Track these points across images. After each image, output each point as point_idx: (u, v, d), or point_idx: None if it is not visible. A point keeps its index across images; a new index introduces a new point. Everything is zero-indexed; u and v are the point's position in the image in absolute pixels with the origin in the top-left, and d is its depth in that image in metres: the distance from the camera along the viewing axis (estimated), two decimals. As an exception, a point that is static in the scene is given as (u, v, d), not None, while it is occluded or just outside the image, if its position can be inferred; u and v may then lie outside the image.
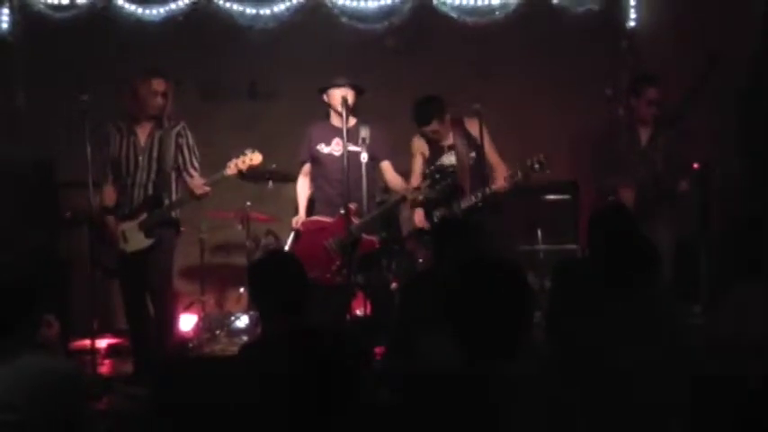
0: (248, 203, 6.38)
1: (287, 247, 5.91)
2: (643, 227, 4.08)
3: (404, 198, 5.43)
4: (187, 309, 6.50)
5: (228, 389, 3.13)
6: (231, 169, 5.25)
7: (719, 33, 6.38)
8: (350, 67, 5.88)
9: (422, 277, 4.92)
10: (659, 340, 2.95)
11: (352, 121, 5.44)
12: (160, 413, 4.04)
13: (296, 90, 6.61)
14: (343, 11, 6.96)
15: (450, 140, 5.62)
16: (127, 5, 6.90)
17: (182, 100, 5.60)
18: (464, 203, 5.46)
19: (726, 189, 6.39)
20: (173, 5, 6.91)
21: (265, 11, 6.96)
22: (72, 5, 6.88)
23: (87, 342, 5.32)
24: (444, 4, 6.93)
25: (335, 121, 5.51)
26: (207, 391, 3.79)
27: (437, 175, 5.36)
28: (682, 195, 5.50)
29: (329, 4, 6.94)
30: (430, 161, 5.65)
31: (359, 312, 5.63)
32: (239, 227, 6.46)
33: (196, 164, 5.38)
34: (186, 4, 6.91)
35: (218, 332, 6.35)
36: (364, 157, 5.37)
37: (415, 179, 5.63)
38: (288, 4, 6.95)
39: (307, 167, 5.71)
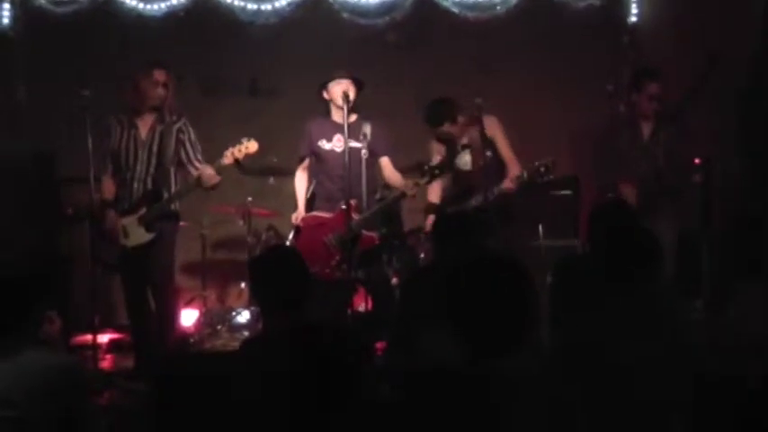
0: (250, 199, 6.39)
1: (288, 243, 5.91)
2: (645, 222, 4.08)
3: (404, 194, 5.43)
4: (188, 304, 6.50)
5: (229, 384, 3.13)
6: (228, 158, 5.24)
7: (720, 30, 6.37)
8: (351, 62, 5.87)
9: (423, 273, 4.92)
10: (660, 336, 2.95)
11: (354, 116, 5.43)
12: (161, 408, 4.05)
13: (297, 86, 6.60)
14: (345, 6, 6.95)
15: (465, 139, 5.65)
16: (128, 1, 6.88)
17: (182, 95, 5.60)
18: (474, 201, 5.48)
19: (726, 189, 6.38)
20: (174, 1, 6.88)
21: (266, 6, 6.95)
22: (73, 0, 6.86)
23: (89, 337, 5.32)
24: (445, -1, 6.93)
25: (336, 116, 5.50)
26: (208, 386, 3.79)
27: (436, 171, 5.36)
28: (693, 188, 5.51)
29: (330, 0, 6.93)
30: (447, 161, 5.70)
31: (360, 308, 5.63)
32: (241, 222, 6.46)
33: (200, 157, 5.38)
34: (187, 0, 6.90)
35: (219, 327, 6.36)
36: (365, 153, 5.37)
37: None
38: (289, -1, 6.95)
39: (305, 163, 5.71)
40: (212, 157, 5.38)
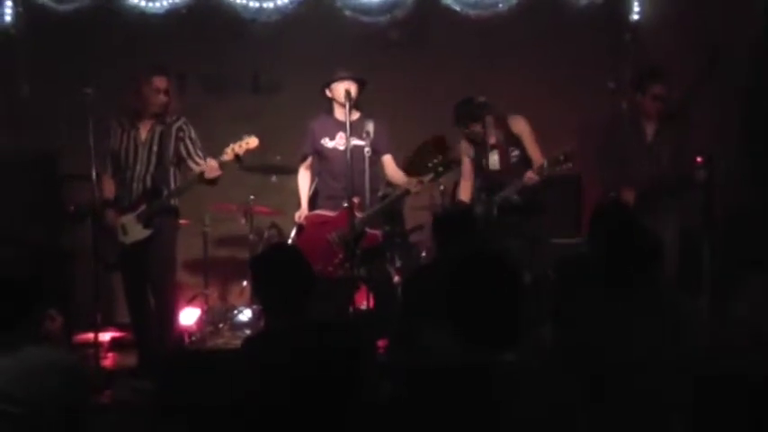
0: (252, 197, 6.39)
1: (290, 241, 5.91)
2: (646, 220, 4.07)
3: (407, 192, 5.43)
4: (190, 302, 6.50)
5: (231, 382, 3.14)
6: (228, 155, 5.24)
7: (721, 28, 6.36)
8: (353, 60, 5.86)
9: (425, 271, 4.92)
10: (662, 336, 2.95)
11: (357, 114, 5.43)
12: (163, 406, 4.05)
13: (299, 83, 6.60)
14: (347, 4, 6.95)
15: (493, 139, 5.65)
16: (130, -2, 6.90)
17: (184, 93, 5.60)
18: (498, 198, 5.52)
19: (728, 186, 6.37)
20: (176, -2, 6.91)
21: (269, 4, 6.95)
22: (75, -2, 6.88)
23: (91, 335, 5.31)
24: (447, -4, 6.93)
25: (339, 115, 5.50)
26: (210, 384, 3.80)
27: (440, 169, 5.36)
28: (694, 186, 5.50)
29: (332, -2, 6.95)
30: (475, 161, 5.72)
31: (362, 306, 5.64)
32: (243, 220, 6.46)
33: (200, 153, 5.38)
34: (190, -3, 6.91)
35: (221, 325, 6.36)
36: (368, 150, 5.37)
37: (464, 181, 5.84)
38: (291, -4, 6.95)
39: (308, 161, 5.71)
40: (214, 154, 5.38)
